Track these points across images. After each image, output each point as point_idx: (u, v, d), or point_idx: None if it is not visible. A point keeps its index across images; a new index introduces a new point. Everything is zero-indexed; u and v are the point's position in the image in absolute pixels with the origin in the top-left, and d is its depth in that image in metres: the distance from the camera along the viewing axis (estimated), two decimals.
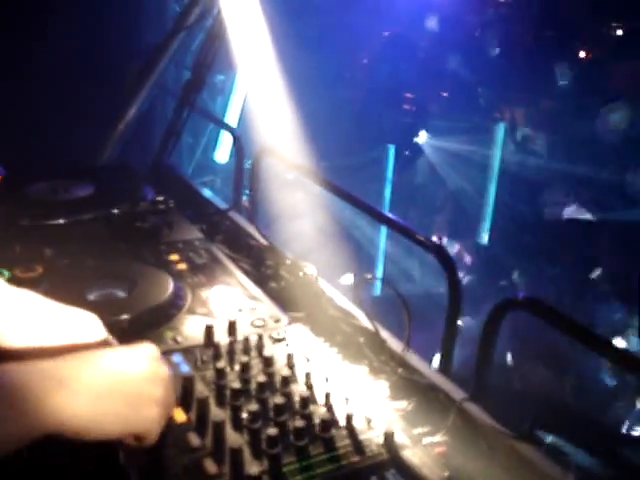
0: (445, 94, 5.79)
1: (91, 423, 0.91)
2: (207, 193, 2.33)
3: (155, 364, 1.03)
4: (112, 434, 0.95)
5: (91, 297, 1.52)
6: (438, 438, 1.21)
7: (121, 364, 0.99)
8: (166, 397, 1.02)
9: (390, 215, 1.98)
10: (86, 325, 1.19)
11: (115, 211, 1.87)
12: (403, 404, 1.29)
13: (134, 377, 0.98)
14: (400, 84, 5.82)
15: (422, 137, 6.14)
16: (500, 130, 5.72)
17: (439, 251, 1.82)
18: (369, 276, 1.60)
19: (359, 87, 6.04)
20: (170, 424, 1.12)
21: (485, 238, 5.89)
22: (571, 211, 5.23)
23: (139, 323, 1.43)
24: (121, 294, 1.54)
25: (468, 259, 5.79)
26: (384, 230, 5.62)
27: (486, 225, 5.88)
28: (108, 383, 0.94)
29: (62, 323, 1.17)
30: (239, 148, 2.71)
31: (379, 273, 5.26)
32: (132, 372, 0.98)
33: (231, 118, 4.59)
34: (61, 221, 1.83)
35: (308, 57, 4.79)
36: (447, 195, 6.18)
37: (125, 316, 1.42)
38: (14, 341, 1.13)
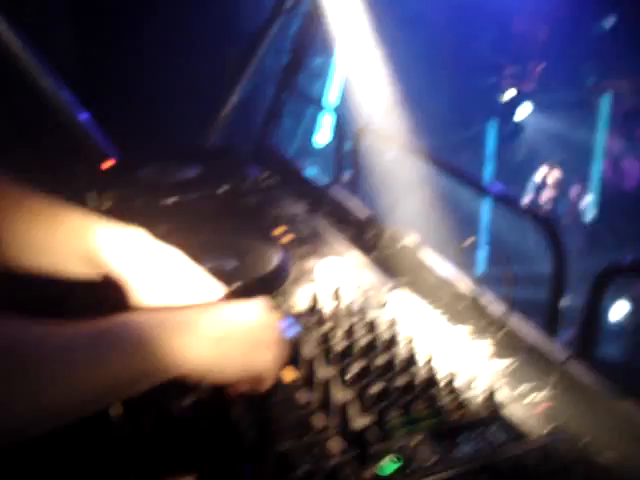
0: (543, 66, 5.63)
1: (212, 366, 0.98)
2: (309, 171, 2.39)
3: (268, 314, 1.10)
4: (233, 377, 1.02)
5: (203, 268, 1.60)
6: (540, 397, 1.22)
7: (237, 313, 1.05)
8: (279, 342, 1.08)
9: (495, 187, 2.00)
10: (212, 288, 1.27)
11: (222, 189, 1.96)
12: (505, 363, 1.31)
13: (250, 324, 1.05)
14: (498, 59, 5.72)
15: (523, 112, 6.02)
16: (605, 103, 5.54)
17: (545, 223, 1.82)
18: (472, 238, 1.61)
19: (458, 64, 5.97)
20: (279, 382, 1.19)
21: (589, 216, 5.74)
22: None
23: (249, 291, 1.50)
24: (230, 266, 1.62)
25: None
26: (487, 206, 5.56)
27: (591, 202, 5.72)
28: (226, 329, 1.01)
29: (192, 285, 1.25)
30: (340, 127, 2.77)
31: (483, 249, 5.21)
32: (247, 319, 1.05)
33: (330, 100, 4.64)
34: (172, 200, 1.93)
35: (406, 37, 4.78)
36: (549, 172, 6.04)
37: (236, 284, 1.49)
38: (145, 298, 1.21)
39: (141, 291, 1.25)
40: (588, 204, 5.73)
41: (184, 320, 0.99)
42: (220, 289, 1.29)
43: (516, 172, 6.07)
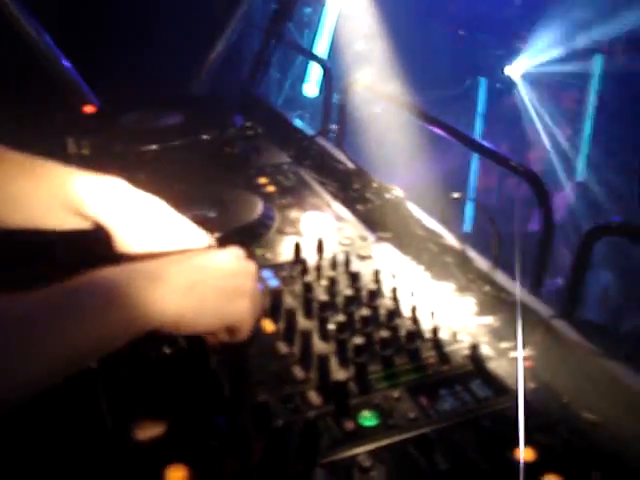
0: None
1: (188, 316, 0.95)
2: (295, 121, 2.34)
3: (243, 261, 1.07)
4: (208, 326, 1.00)
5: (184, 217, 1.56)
6: (525, 353, 1.20)
7: (212, 261, 1.02)
8: (255, 290, 1.05)
9: (484, 142, 1.96)
10: (195, 235, 1.24)
11: (205, 137, 1.91)
12: (489, 320, 1.29)
13: (225, 272, 1.01)
14: (488, 13, 5.62)
15: (515, 69, 5.95)
16: (597, 62, 5.48)
17: (532, 177, 1.80)
18: (456, 195, 1.58)
19: (451, 19, 5.88)
20: (258, 333, 1.17)
21: (580, 176, 5.71)
22: None
23: (230, 241, 1.46)
24: (212, 215, 1.58)
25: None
26: (475, 160, 5.51)
27: (581, 162, 5.69)
28: (201, 278, 0.98)
29: (175, 231, 1.22)
30: (328, 78, 2.71)
31: (469, 207, 5.18)
32: (223, 267, 1.02)
33: (319, 51, 4.56)
34: (153, 147, 1.88)
35: None
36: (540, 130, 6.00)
37: (217, 234, 1.46)
38: (129, 246, 1.18)
39: (125, 239, 1.21)
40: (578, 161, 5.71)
41: (153, 271, 0.96)
42: (204, 236, 1.26)
43: (505, 131, 6.02)
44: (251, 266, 1.07)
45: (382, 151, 3.85)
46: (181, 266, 0.99)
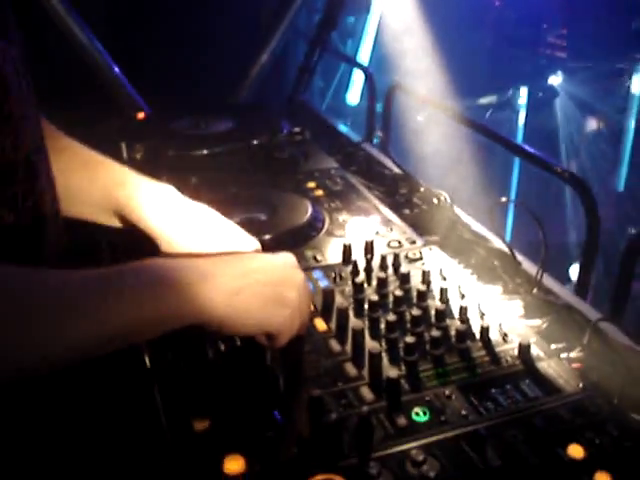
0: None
1: (232, 318, 0.97)
2: (341, 127, 2.37)
3: (292, 270, 1.08)
4: (248, 331, 1.01)
5: (234, 220, 1.60)
6: (574, 354, 1.21)
7: (261, 266, 1.04)
8: (300, 302, 1.05)
9: (529, 148, 1.97)
10: (244, 239, 1.27)
11: (254, 142, 1.95)
12: (537, 322, 1.30)
13: (272, 279, 1.02)
14: (532, 22, 5.60)
15: (557, 79, 5.92)
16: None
17: (577, 182, 1.81)
18: (504, 199, 1.59)
19: (491, 28, 5.87)
20: (311, 331, 1.20)
21: (621, 185, 5.64)
22: None
23: (280, 243, 1.50)
24: (263, 217, 1.62)
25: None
26: (517, 165, 5.46)
27: (623, 171, 5.63)
28: (249, 282, 0.99)
29: (225, 235, 1.26)
30: (371, 85, 2.74)
31: (509, 216, 5.17)
32: (271, 274, 1.03)
33: (362, 59, 4.59)
34: (205, 152, 1.93)
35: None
36: (582, 139, 5.95)
37: (267, 236, 1.49)
38: (181, 246, 1.22)
39: (174, 244, 1.25)
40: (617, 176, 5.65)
41: (205, 269, 0.98)
42: (253, 241, 1.29)
43: (547, 139, 5.98)
44: (299, 274, 1.08)
45: (425, 157, 3.87)
46: (231, 268, 1.01)
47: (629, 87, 5.47)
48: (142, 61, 2.90)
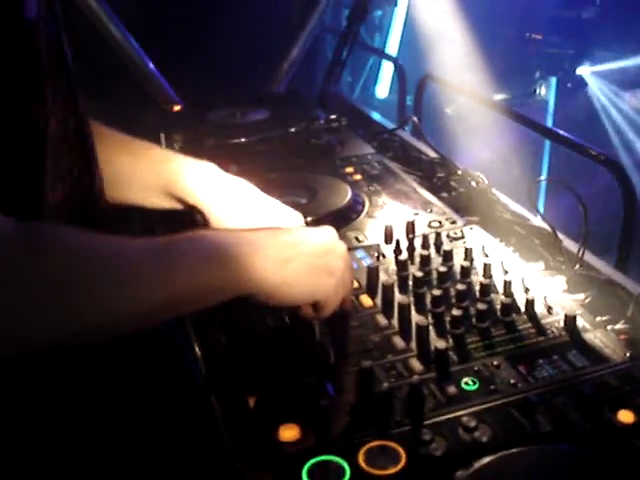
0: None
1: (283, 288, 1.00)
2: (375, 115, 2.39)
3: (335, 241, 1.11)
4: (297, 301, 1.04)
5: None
6: (618, 326, 1.22)
7: (306, 238, 1.07)
8: (344, 270, 1.09)
9: (565, 133, 1.98)
10: (289, 215, 1.29)
11: (292, 130, 1.98)
12: (581, 296, 1.31)
13: (317, 249, 1.06)
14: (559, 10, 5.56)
15: (585, 69, 5.87)
16: None
17: (614, 166, 1.81)
18: (542, 177, 1.60)
19: (517, 18, 5.84)
20: (357, 308, 1.22)
21: None
22: None
23: (322, 225, 1.52)
24: (303, 201, 1.64)
25: None
26: (547, 151, 5.42)
27: None
28: (296, 253, 1.02)
29: (271, 210, 1.28)
30: (401, 75, 2.76)
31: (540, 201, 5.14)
32: (316, 245, 1.06)
33: (391, 52, 4.61)
34: (243, 140, 1.96)
35: None
36: (614, 130, 5.90)
37: (309, 219, 1.51)
38: (225, 222, 1.25)
39: (222, 218, 1.28)
40: None
41: (255, 240, 1.00)
42: (297, 215, 1.31)
43: (576, 129, 5.95)
44: (342, 246, 1.11)
45: (457, 145, 3.88)
46: (278, 239, 1.03)
47: None
48: (175, 56, 2.94)
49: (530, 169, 5.47)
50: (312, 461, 0.92)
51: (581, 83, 5.92)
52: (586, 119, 5.94)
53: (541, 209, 1.55)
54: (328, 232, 1.12)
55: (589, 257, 1.45)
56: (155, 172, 1.34)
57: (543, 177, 1.66)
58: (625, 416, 0.98)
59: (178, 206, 1.36)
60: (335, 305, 1.09)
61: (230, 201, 1.30)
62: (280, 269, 1.00)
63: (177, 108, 2.33)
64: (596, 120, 5.90)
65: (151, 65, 2.74)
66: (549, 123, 5.75)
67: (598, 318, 1.23)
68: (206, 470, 1.12)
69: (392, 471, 0.90)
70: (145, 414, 1.21)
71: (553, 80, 5.81)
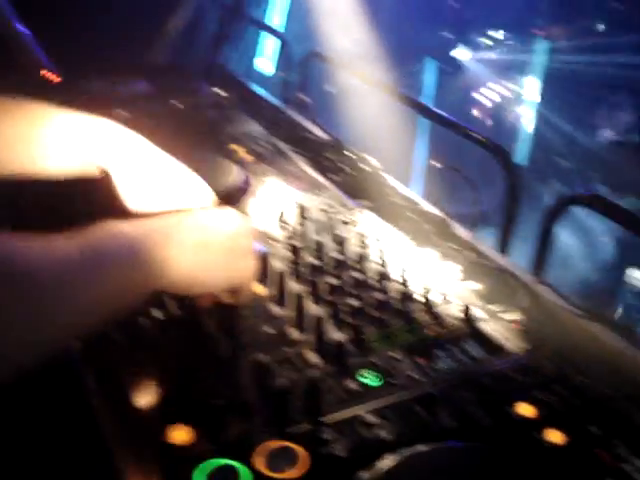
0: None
1: (200, 275, 0.94)
2: (261, 91, 2.30)
3: (241, 221, 1.04)
4: (216, 286, 0.98)
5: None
6: (512, 316, 1.21)
7: (214, 220, 1.00)
8: (254, 252, 1.03)
9: (450, 117, 1.98)
10: (198, 190, 1.19)
11: (173, 103, 1.87)
12: (475, 285, 1.29)
13: (227, 231, 0.99)
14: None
15: (462, 52, 6.00)
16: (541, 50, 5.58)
17: (499, 152, 1.82)
18: (437, 164, 1.59)
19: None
20: (250, 295, 1.15)
21: (523, 158, 5.80)
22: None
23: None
24: None
25: None
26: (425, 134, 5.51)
27: (524, 144, 5.80)
28: (206, 237, 0.96)
29: (176, 185, 1.17)
30: (286, 53, 2.69)
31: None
32: (225, 227, 1.00)
33: (275, 25, 4.51)
34: (121, 114, 1.83)
35: None
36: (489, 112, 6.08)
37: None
38: (130, 204, 1.14)
39: (125, 188, 1.16)
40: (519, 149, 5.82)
41: (165, 228, 0.93)
42: (208, 191, 1.21)
43: (455, 111, 6.07)
44: (249, 225, 1.05)
45: (341, 125, 3.86)
46: (186, 224, 0.96)
47: None
48: (51, 23, 2.74)
49: (410, 150, 5.57)
50: (203, 465, 0.85)
51: (459, 66, 6.06)
52: (461, 102, 6.09)
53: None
54: (233, 213, 1.05)
55: (481, 245, 1.45)
56: (51, 132, 1.21)
57: (437, 164, 1.62)
58: (524, 409, 0.97)
59: (81, 169, 1.23)
60: (250, 287, 1.04)
61: (133, 167, 1.17)
62: (195, 256, 0.93)
63: (53, 77, 2.15)
64: (469, 103, 6.08)
65: (22, 28, 2.54)
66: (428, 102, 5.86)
67: (493, 307, 1.22)
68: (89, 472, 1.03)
69: (292, 474, 0.84)
70: (22, 412, 1.11)
71: (430, 63, 5.91)
